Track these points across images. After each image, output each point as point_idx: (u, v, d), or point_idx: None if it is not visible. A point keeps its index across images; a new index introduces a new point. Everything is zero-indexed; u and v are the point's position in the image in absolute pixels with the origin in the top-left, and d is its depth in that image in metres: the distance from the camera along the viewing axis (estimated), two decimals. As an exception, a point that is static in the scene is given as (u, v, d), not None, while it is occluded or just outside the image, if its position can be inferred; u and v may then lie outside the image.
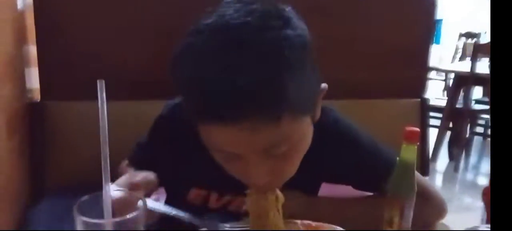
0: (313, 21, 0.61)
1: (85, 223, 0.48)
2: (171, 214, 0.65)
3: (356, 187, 0.78)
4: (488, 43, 2.88)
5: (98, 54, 1.10)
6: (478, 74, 3.01)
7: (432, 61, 5.45)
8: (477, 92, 3.51)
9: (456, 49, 4.87)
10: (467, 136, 3.29)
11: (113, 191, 0.56)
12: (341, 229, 0.65)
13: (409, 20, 1.31)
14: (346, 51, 1.27)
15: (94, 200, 0.52)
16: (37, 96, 1.14)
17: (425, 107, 1.40)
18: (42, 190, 1.09)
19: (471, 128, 3.46)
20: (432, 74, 5.40)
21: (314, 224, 0.65)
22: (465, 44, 4.61)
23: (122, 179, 0.65)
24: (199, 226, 0.67)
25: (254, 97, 0.51)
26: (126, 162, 0.85)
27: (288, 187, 0.68)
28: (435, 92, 4.73)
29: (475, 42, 3.28)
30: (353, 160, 0.74)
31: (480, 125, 3.76)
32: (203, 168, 0.68)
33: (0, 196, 0.90)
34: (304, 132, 0.61)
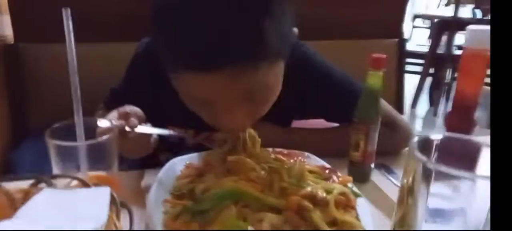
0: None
1: (57, 147, 0.49)
2: (162, 134, 0.66)
3: (328, 119, 0.80)
4: None
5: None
6: (460, 19, 3.01)
7: (418, 9, 5.40)
8: (460, 38, 3.53)
9: (441, -5, 4.84)
10: (448, 81, 3.34)
11: (100, 122, 0.57)
12: (311, 155, 0.67)
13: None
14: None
15: (68, 128, 0.53)
16: (10, 41, 1.11)
17: (402, 47, 1.41)
18: (24, 131, 1.10)
19: (452, 73, 3.51)
20: (417, 22, 5.39)
21: (286, 151, 0.67)
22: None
23: (111, 114, 0.65)
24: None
25: (236, 44, 0.51)
26: (100, 108, 0.85)
27: (262, 119, 0.70)
28: (420, 40, 4.75)
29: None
30: (325, 92, 0.76)
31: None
32: (179, 106, 0.69)
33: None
34: (279, 75, 0.62)
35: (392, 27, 1.41)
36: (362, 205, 0.53)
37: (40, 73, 1.12)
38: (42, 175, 0.49)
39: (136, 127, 0.62)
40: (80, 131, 0.51)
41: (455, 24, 3.02)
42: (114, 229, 0.43)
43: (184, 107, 0.68)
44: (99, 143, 0.51)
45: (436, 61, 3.26)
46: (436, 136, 0.40)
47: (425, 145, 0.39)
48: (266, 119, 0.72)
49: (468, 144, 0.40)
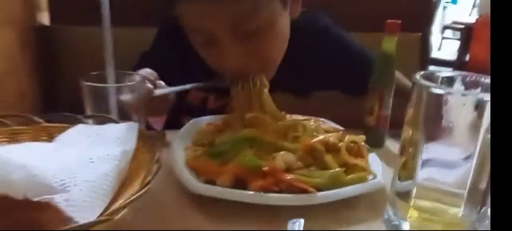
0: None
1: (89, 88, 0.54)
2: (179, 89, 0.70)
3: (345, 90, 0.82)
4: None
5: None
6: (490, 26, 2.95)
7: (448, 20, 5.29)
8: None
9: (473, 5, 4.75)
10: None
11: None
12: (327, 120, 0.70)
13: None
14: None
15: (100, 77, 0.57)
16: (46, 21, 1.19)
17: (426, 42, 1.41)
18: (54, 109, 1.16)
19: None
20: (447, 33, 5.30)
21: (301, 117, 0.70)
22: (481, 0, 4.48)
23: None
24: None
25: None
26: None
27: (280, 89, 0.73)
28: (449, 50, 4.66)
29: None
30: (343, 63, 0.78)
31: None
32: (201, 72, 0.74)
33: (13, 105, 0.97)
34: (274, 13, 0.64)
35: (416, 21, 1.41)
36: (373, 157, 0.55)
37: (72, 54, 1.20)
38: (76, 115, 0.54)
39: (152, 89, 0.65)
40: (110, 74, 0.55)
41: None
42: (141, 155, 0.47)
43: (205, 74, 0.72)
44: (125, 86, 0.56)
45: (463, 69, 3.19)
46: (441, 72, 0.42)
47: (430, 78, 0.41)
48: (285, 88, 0.75)
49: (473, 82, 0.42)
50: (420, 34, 1.39)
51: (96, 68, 0.60)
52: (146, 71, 0.70)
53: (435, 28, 4.58)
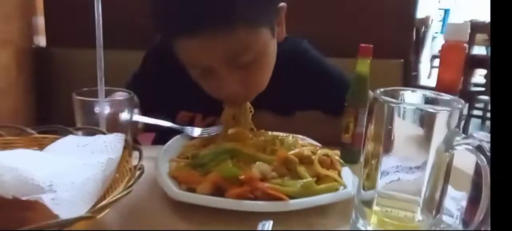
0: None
1: (80, 101, 0.58)
2: (155, 123, 0.74)
3: (325, 111, 0.87)
4: (486, 22, 2.91)
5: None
6: (476, 55, 3.06)
7: (436, 50, 5.42)
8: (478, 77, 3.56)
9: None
10: (463, 116, 3.34)
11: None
12: (306, 137, 0.74)
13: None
14: (333, 8, 1.35)
15: (91, 93, 0.61)
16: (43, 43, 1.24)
17: (408, 68, 1.47)
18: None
19: (469, 110, 3.51)
20: (436, 62, 5.43)
21: (283, 134, 0.74)
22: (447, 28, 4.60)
23: None
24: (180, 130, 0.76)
25: (210, 8, 0.60)
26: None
27: (264, 108, 0.77)
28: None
29: (471, 21, 3.31)
30: (322, 85, 0.83)
31: (478, 108, 3.80)
32: (189, 93, 0.78)
33: (7, 121, 1.00)
34: (265, 44, 0.69)
35: (399, 49, 1.48)
36: (346, 170, 0.59)
37: (66, 74, 1.24)
38: (67, 127, 0.58)
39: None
40: (101, 90, 0.59)
41: (470, 61, 3.06)
42: (126, 163, 0.50)
43: (193, 93, 0.76)
44: (115, 101, 0.59)
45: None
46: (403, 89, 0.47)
47: (392, 94, 0.45)
48: (268, 107, 0.80)
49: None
50: (402, 60, 1.46)
51: (88, 87, 0.64)
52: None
53: (425, 57, 4.70)
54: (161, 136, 0.86)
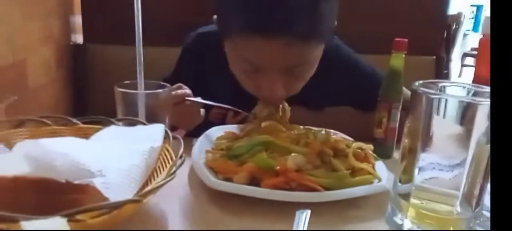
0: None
1: (122, 93, 0.61)
2: (209, 104, 0.76)
3: (357, 107, 0.87)
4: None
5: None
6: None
7: (468, 48, 5.26)
8: None
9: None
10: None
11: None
12: (339, 132, 0.74)
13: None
14: (366, 5, 1.35)
15: (132, 86, 0.64)
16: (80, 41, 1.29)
17: (440, 65, 1.44)
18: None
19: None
20: (468, 60, 5.28)
21: (315, 128, 0.75)
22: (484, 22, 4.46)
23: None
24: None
25: (296, 17, 0.61)
26: None
27: (296, 103, 0.78)
28: (470, 77, 4.61)
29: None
30: (353, 81, 0.83)
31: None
32: (222, 90, 0.80)
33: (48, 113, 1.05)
34: (319, 56, 0.71)
35: (430, 46, 1.45)
36: (380, 164, 0.59)
37: (101, 70, 1.28)
38: (109, 118, 0.60)
39: (188, 96, 0.72)
40: (140, 82, 0.62)
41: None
42: (167, 152, 0.52)
43: (226, 91, 0.78)
44: (155, 93, 0.62)
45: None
46: (441, 81, 0.46)
47: (430, 86, 0.45)
48: (300, 103, 0.80)
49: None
50: (434, 57, 1.43)
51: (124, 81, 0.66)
52: (181, 84, 0.77)
53: (455, 55, 4.58)
54: (194, 135, 0.88)
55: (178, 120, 0.76)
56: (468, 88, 0.46)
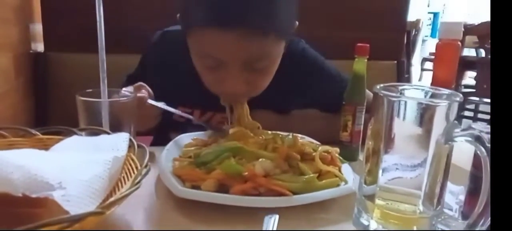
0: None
1: (84, 102, 0.59)
2: (168, 110, 0.76)
3: (323, 109, 0.88)
4: (476, 24, 2.95)
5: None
6: (466, 57, 3.10)
7: (426, 53, 5.48)
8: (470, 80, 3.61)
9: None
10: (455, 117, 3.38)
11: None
12: (306, 136, 0.75)
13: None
14: (328, 11, 1.38)
15: (94, 94, 0.62)
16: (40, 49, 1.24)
17: (401, 69, 1.50)
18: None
19: (460, 111, 3.55)
20: (427, 65, 5.50)
21: (283, 133, 0.75)
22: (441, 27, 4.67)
23: (128, 88, 0.75)
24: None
25: (254, 9, 0.62)
26: None
27: (262, 107, 0.78)
28: (430, 81, 4.81)
29: (464, 24, 3.35)
30: (319, 83, 0.85)
31: (469, 109, 3.84)
32: (188, 88, 0.79)
33: (7, 123, 1.00)
34: (279, 53, 0.72)
35: (391, 51, 1.50)
36: (346, 166, 0.60)
37: (64, 79, 1.24)
38: (71, 128, 0.58)
39: (147, 97, 0.71)
40: (104, 90, 0.60)
41: (462, 64, 3.11)
42: (132, 162, 0.51)
43: (192, 89, 0.77)
44: (118, 102, 0.60)
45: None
46: (401, 85, 0.48)
47: (391, 89, 0.46)
48: (267, 107, 0.81)
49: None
50: (395, 62, 1.48)
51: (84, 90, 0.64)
52: (142, 84, 0.75)
53: (415, 60, 4.76)
54: (160, 135, 0.87)
55: (137, 122, 0.74)
56: (426, 90, 0.48)
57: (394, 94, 0.45)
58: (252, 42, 0.65)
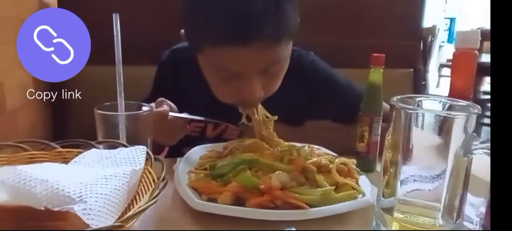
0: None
1: (102, 115, 0.60)
2: (192, 118, 0.76)
3: (335, 120, 0.88)
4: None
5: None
6: (484, 63, 3.04)
7: (444, 59, 5.40)
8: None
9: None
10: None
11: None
12: (322, 147, 0.74)
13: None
14: (342, 20, 1.37)
15: (112, 107, 0.63)
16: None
17: (418, 77, 1.48)
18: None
19: (478, 119, 3.47)
20: (444, 71, 5.42)
21: (298, 144, 0.75)
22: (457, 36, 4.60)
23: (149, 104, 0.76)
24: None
25: (264, 22, 0.63)
26: None
27: (276, 121, 0.78)
28: (447, 88, 4.73)
29: (481, 29, 3.28)
30: (330, 95, 0.85)
31: (488, 116, 3.76)
32: (200, 103, 0.80)
33: (25, 137, 1.02)
34: (289, 53, 0.73)
35: (407, 59, 1.48)
36: (363, 178, 0.60)
37: (82, 91, 1.26)
38: (89, 141, 0.59)
39: (169, 110, 0.72)
40: (121, 104, 0.61)
41: (480, 70, 3.04)
42: (149, 175, 0.51)
43: (204, 104, 0.78)
44: (136, 114, 0.61)
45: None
46: (418, 96, 0.47)
47: (408, 101, 0.46)
48: (280, 119, 0.81)
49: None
50: (412, 70, 1.47)
51: (103, 102, 0.65)
52: (163, 99, 0.76)
53: (432, 66, 4.70)
54: (174, 149, 0.87)
55: (162, 137, 0.75)
56: (443, 102, 0.47)
57: (411, 106, 0.44)
58: (267, 51, 0.66)
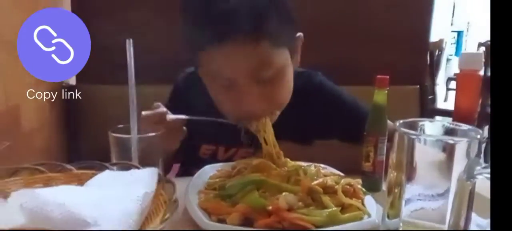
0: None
1: (115, 138, 0.62)
2: (190, 118, 0.78)
3: (343, 139, 0.89)
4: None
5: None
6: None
7: (451, 73, 5.37)
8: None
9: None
10: (484, 139, 3.29)
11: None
12: (328, 166, 0.76)
13: (409, 7, 1.41)
14: (347, 37, 1.38)
15: (125, 130, 0.65)
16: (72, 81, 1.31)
17: (424, 93, 1.48)
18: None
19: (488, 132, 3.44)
20: (452, 84, 5.39)
21: (303, 163, 0.76)
22: (483, 53, 4.59)
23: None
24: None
25: (238, 16, 0.65)
26: None
27: (284, 138, 0.80)
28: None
29: (486, 42, 3.29)
30: (337, 115, 0.86)
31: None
32: (212, 127, 0.82)
33: (41, 158, 1.05)
34: (284, 64, 0.75)
35: (414, 74, 1.49)
36: (369, 198, 0.61)
37: (96, 111, 1.29)
38: (103, 163, 0.61)
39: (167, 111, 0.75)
40: (133, 126, 0.63)
41: (487, 83, 3.03)
42: (160, 197, 0.53)
43: (216, 128, 0.80)
44: (148, 137, 0.63)
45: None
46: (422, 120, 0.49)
47: (412, 125, 0.47)
48: (288, 138, 0.83)
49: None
50: (418, 86, 1.47)
51: (116, 123, 0.68)
52: (158, 103, 0.78)
53: (440, 79, 4.69)
54: (185, 172, 0.89)
55: (162, 139, 0.77)
56: (446, 126, 0.48)
57: (413, 132, 0.45)
58: (246, 52, 0.68)
